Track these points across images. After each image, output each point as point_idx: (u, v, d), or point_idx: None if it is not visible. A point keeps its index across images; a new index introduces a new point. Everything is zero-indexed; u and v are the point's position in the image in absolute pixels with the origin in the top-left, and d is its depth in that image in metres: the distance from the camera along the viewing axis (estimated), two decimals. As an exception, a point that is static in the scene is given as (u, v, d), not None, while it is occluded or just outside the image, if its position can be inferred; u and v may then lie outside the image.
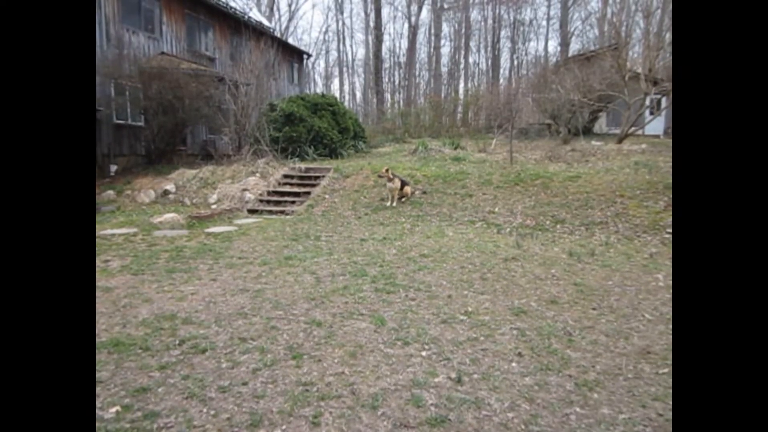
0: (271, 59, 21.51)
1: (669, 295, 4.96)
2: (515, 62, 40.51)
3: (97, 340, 3.70)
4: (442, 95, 31.45)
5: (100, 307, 4.42)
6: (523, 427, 2.63)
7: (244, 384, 3.06)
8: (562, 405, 2.85)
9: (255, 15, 23.14)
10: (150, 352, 3.52)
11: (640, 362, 3.43)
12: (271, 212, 9.96)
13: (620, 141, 17.03)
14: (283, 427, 2.61)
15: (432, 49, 40.68)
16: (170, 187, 11.56)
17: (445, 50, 42.59)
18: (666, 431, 2.43)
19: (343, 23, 47.98)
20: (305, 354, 3.50)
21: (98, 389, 2.97)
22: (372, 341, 3.74)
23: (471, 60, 42.19)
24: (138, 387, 3.01)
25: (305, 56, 25.99)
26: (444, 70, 40.38)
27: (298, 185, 11.30)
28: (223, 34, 18.57)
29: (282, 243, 7.30)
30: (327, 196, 10.46)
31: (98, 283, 5.15)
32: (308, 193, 10.72)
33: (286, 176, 11.73)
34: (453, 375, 3.18)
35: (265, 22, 24.31)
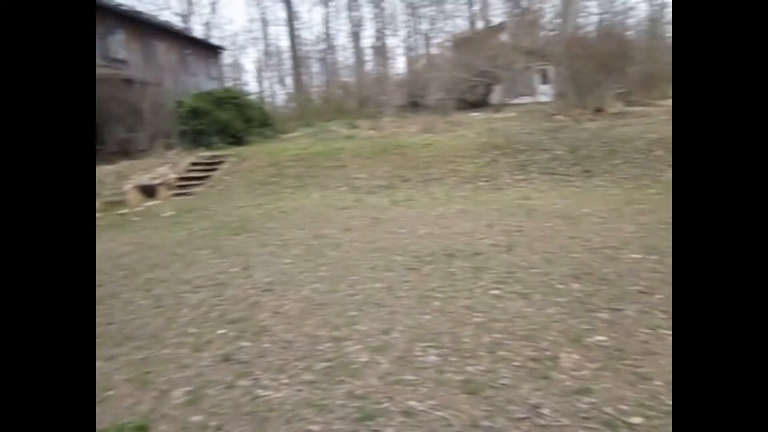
0: (184, 58, 22.84)
1: (433, 220, 7.28)
2: (433, 41, 42.81)
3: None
4: (368, 77, 33.42)
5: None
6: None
7: (114, 282, 5.09)
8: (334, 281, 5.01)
9: (167, 16, 24.21)
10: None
11: (374, 252, 5.69)
12: (177, 194, 11.77)
13: (497, 111, 19.66)
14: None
15: (352, 33, 42.49)
16: (90, 182, 13.10)
17: (368, 31, 44.51)
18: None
19: (265, 13, 49.03)
20: (158, 267, 5.56)
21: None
22: (206, 258, 5.83)
23: (391, 42, 44.32)
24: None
25: (220, 50, 27.26)
26: (365, 51, 42.29)
27: (203, 170, 13.10)
28: (134, 37, 19.75)
29: (176, 215, 9.22)
30: (226, 178, 12.36)
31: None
32: (210, 176, 12.57)
33: (193, 164, 13.49)
34: (241, 268, 5.33)
35: (177, 22, 25.40)
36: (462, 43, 27.29)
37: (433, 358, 3.10)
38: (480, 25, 35.42)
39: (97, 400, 2.91)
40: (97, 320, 4.14)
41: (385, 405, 2.63)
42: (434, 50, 36.42)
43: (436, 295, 4.21)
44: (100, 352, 3.54)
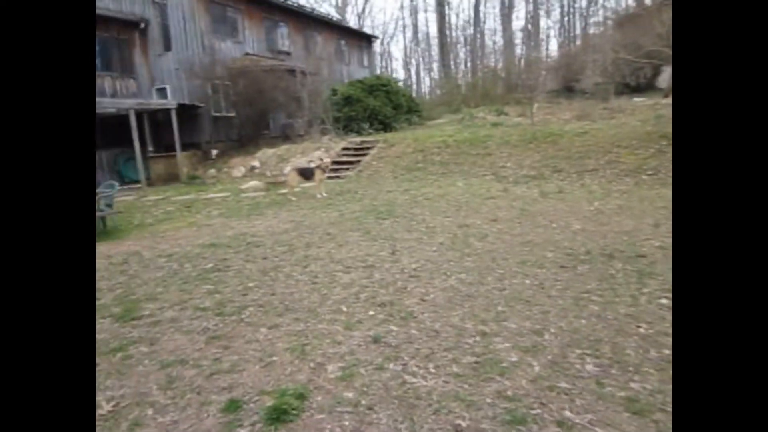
0: (339, 47, 24.09)
1: (588, 215, 6.73)
2: (587, 21, 39.66)
3: (203, 241, 6.41)
4: (517, 61, 32.19)
5: (204, 231, 7.20)
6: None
7: (276, 257, 5.58)
8: (459, 257, 5.01)
9: (324, 9, 25.74)
10: (231, 247, 6.16)
11: (523, 246, 5.47)
12: (330, 177, 12.54)
13: (666, 95, 17.49)
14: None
15: (502, 16, 41.06)
16: (256, 163, 14.58)
17: (519, 13, 42.75)
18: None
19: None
20: (314, 245, 5.96)
21: (207, 255, 5.61)
22: (356, 240, 6.09)
23: (543, 23, 41.97)
24: (222, 258, 5.63)
25: (373, 39, 28.22)
26: (515, 35, 40.65)
27: (353, 155, 13.78)
28: (297, 30, 21.36)
29: (328, 197, 9.83)
30: (374, 162, 12.85)
31: (203, 222, 8.00)
32: (360, 161, 13.16)
33: (344, 148, 14.26)
34: (389, 252, 5.47)
35: (334, 14, 26.84)
36: (626, 20, 24.73)
37: (591, 368, 2.87)
38: (649, -1, 31.87)
39: (262, 364, 3.21)
40: (261, 291, 4.59)
41: (537, 411, 2.50)
42: (592, 30, 33.65)
43: (593, 298, 3.89)
44: (264, 319, 3.92)
